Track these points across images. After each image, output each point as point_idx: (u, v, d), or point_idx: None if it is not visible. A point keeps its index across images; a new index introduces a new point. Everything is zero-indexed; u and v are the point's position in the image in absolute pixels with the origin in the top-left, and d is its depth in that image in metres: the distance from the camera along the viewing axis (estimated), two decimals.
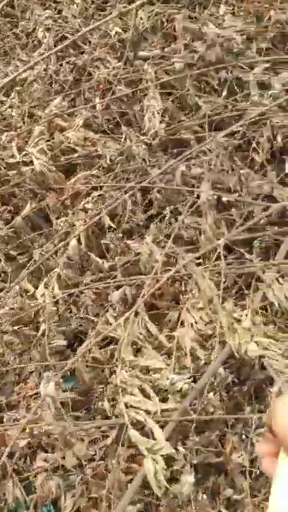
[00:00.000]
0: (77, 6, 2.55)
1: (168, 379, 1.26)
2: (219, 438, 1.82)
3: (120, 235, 1.83)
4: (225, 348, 1.45)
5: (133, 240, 1.90)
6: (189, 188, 1.85)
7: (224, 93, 2.19)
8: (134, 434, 1.14)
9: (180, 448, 1.75)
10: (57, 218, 1.95)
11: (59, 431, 1.35)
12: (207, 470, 1.80)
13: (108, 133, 2.14)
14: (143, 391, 1.25)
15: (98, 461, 1.60)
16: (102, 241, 1.81)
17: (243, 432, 1.78)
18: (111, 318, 1.51)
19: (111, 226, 1.79)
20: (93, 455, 1.67)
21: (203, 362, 1.43)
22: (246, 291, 1.64)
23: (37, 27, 2.57)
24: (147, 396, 1.24)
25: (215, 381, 1.69)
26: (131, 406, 1.21)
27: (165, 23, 2.32)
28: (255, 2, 2.33)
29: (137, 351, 1.45)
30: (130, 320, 1.42)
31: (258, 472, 1.76)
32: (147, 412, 1.21)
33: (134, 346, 1.45)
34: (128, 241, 1.79)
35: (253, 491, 1.73)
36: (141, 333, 1.46)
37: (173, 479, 1.69)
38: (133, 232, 2.00)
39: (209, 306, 1.50)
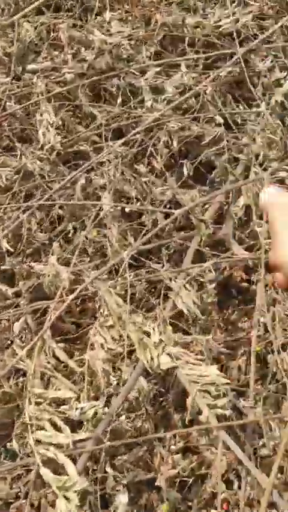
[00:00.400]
0: None
1: (77, 409, 1.20)
2: (148, 452, 1.78)
3: (21, 258, 1.76)
4: (137, 366, 1.41)
5: (40, 261, 1.83)
6: (91, 202, 1.80)
7: (119, 100, 2.15)
8: (45, 472, 1.08)
9: (109, 470, 1.70)
10: None
11: None
12: (139, 487, 1.76)
13: (2, 152, 2.06)
14: (54, 424, 1.19)
15: (22, 498, 1.53)
16: (1, 267, 1.73)
17: (171, 444, 1.75)
18: (18, 348, 1.44)
19: (9, 250, 1.71)
20: (18, 493, 1.59)
21: (115, 382, 1.38)
22: (156, 301, 1.61)
23: None
24: (59, 429, 1.18)
25: (140, 396, 1.65)
26: (42, 442, 1.15)
27: (51, 33, 2.26)
28: (139, 7, 2.31)
29: (48, 380, 1.39)
30: (36, 349, 1.35)
31: (191, 482, 1.73)
32: (60, 446, 1.15)
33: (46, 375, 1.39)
34: (32, 263, 1.72)
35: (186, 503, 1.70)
36: (49, 362, 1.39)
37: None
38: (40, 253, 1.93)
39: (119, 322, 1.46)
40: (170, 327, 1.44)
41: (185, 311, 1.51)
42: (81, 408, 1.20)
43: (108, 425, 1.28)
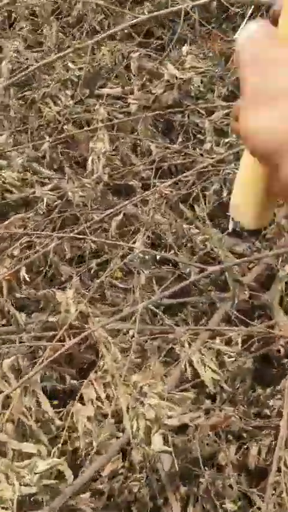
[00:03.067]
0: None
1: (36, 473, 1.09)
2: None
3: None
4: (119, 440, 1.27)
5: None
6: (121, 243, 1.69)
7: (179, 139, 2.05)
8: None
9: None
10: None
11: None
12: None
13: (49, 176, 2.00)
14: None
15: None
16: (16, 295, 1.66)
17: None
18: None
19: (26, 279, 1.64)
20: None
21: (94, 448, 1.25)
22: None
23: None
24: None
25: None
26: None
27: (124, 61, 2.19)
28: (219, 43, 2.20)
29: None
30: (16, 395, 1.25)
31: None
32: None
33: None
34: (55, 290, 1.62)
35: None
36: (30, 408, 1.29)
37: None
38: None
39: (113, 380, 1.33)
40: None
41: (204, 379, 1.36)
42: (40, 475, 1.08)
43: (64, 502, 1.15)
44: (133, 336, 1.43)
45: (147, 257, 1.69)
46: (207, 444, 1.47)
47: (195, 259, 1.72)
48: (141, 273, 1.67)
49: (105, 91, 2.15)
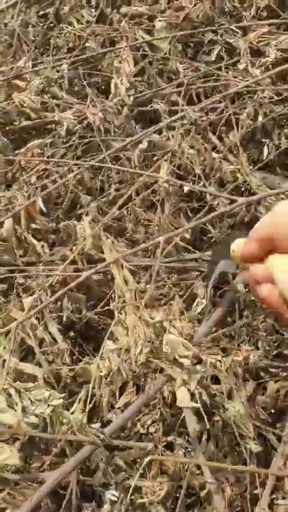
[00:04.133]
0: None
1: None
2: None
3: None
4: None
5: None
6: (144, 172, 1.56)
7: (212, 59, 1.87)
8: None
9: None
10: None
11: None
12: None
13: (68, 101, 1.86)
14: None
15: None
16: (32, 225, 1.55)
17: None
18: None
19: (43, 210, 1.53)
20: None
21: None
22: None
23: None
24: None
25: None
26: None
27: None
28: None
29: None
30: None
31: None
32: None
33: None
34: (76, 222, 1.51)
35: None
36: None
37: None
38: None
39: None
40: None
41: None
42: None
43: None
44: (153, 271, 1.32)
45: (173, 188, 1.56)
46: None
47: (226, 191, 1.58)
48: (166, 204, 1.55)
49: (130, 9, 1.97)
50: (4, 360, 1.05)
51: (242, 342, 1.45)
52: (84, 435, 1.08)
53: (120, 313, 1.16)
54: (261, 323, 1.47)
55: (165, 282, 1.38)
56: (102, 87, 1.99)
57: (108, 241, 1.33)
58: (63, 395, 1.05)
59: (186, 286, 1.39)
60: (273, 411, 1.45)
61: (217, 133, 1.71)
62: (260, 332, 1.49)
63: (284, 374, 1.48)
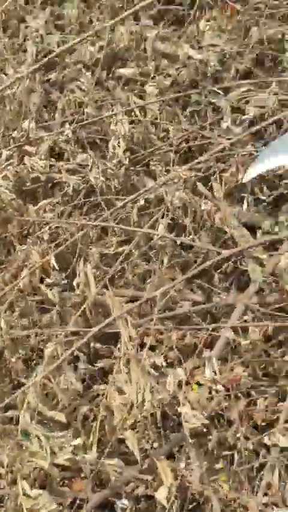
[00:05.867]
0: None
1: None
2: None
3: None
4: None
5: None
6: (141, 230, 1.80)
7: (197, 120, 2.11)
8: None
9: None
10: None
11: None
12: None
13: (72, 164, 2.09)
14: None
15: None
16: (44, 284, 1.80)
17: None
18: None
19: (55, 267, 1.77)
20: None
21: None
22: None
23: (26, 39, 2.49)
24: None
25: None
26: None
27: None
28: (238, 16, 2.21)
29: None
30: None
31: None
32: None
33: None
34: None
35: None
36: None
37: None
38: None
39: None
40: None
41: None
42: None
43: None
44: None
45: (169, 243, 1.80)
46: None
47: (216, 243, 1.82)
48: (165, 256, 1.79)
49: (123, 71, 2.20)
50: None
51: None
52: None
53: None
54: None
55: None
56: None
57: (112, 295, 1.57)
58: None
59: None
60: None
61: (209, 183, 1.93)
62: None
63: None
